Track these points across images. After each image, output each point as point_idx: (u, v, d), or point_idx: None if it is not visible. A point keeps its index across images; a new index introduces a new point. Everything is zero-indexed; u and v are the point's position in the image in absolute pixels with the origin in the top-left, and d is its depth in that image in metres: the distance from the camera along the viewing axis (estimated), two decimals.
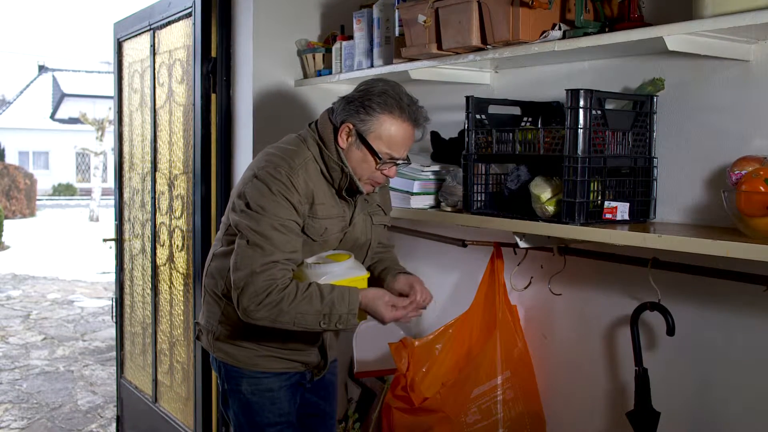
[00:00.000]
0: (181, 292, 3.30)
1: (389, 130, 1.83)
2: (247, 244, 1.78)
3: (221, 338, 2.01)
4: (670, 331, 1.76)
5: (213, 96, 2.98)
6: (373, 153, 1.84)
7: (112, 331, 5.42)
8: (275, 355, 1.99)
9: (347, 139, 1.86)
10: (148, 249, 3.58)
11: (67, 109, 27.33)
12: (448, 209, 2.20)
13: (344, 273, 1.87)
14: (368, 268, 2.00)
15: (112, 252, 4.11)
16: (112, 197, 4.12)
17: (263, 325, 1.79)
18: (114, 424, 4.13)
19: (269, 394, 2.01)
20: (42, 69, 29.34)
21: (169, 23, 3.27)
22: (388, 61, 2.41)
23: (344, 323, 1.78)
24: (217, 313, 2.01)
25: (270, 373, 2.01)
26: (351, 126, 1.84)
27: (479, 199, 2.05)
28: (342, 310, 1.77)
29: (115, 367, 4.15)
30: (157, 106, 3.43)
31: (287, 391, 2.04)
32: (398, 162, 1.89)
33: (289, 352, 2.01)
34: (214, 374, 3.09)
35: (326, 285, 1.79)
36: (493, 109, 2.05)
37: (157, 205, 3.48)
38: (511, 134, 1.91)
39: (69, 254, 12.03)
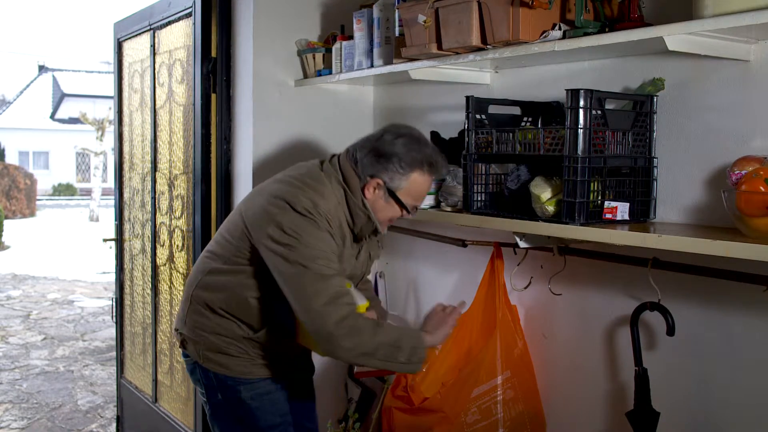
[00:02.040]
0: (181, 292, 3.30)
1: (417, 185, 1.91)
2: (310, 273, 1.76)
3: (213, 349, 1.99)
4: (670, 331, 1.76)
5: (213, 96, 2.98)
6: (402, 205, 1.92)
7: (112, 331, 5.41)
8: (266, 363, 2.02)
9: (374, 192, 1.91)
10: (148, 249, 3.58)
11: (67, 109, 27.33)
12: (448, 209, 2.20)
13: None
14: None
15: (112, 252, 4.11)
16: (112, 197, 4.12)
17: (345, 357, 1.80)
18: (114, 424, 4.13)
19: (268, 397, 2.01)
20: (42, 69, 29.33)
21: (169, 23, 3.27)
22: (388, 61, 2.41)
23: (416, 356, 1.83)
24: (208, 325, 1.99)
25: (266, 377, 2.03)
26: (381, 182, 1.89)
27: (479, 199, 2.05)
28: (410, 342, 1.83)
29: (115, 367, 4.15)
30: (157, 106, 3.43)
31: (283, 391, 2.06)
32: (418, 206, 1.98)
33: (278, 362, 2.04)
34: None
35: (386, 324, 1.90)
36: (493, 109, 2.05)
37: (157, 205, 3.48)
38: (511, 134, 1.91)
39: (69, 254, 12.03)
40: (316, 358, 2.23)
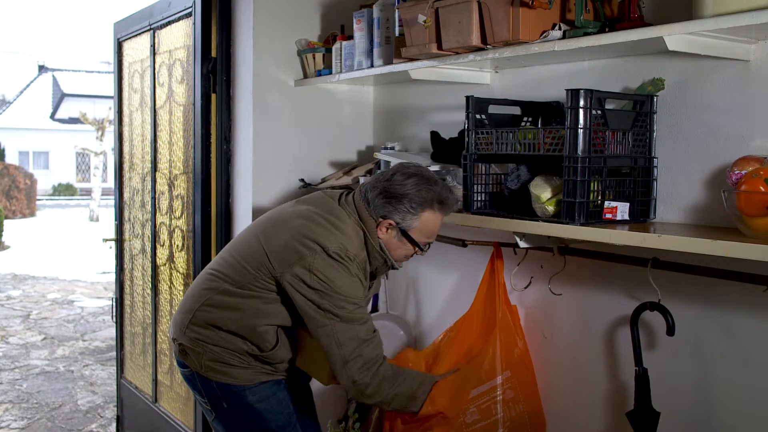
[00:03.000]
0: (181, 292, 3.30)
1: (429, 224, 1.93)
2: (340, 320, 1.83)
3: (216, 360, 1.98)
4: (670, 331, 1.76)
5: (213, 96, 2.98)
6: (415, 244, 1.94)
7: (112, 331, 5.41)
8: (270, 371, 2.03)
9: (387, 231, 1.94)
10: (148, 249, 3.58)
11: (67, 109, 27.33)
12: None
13: None
14: None
15: (112, 252, 4.11)
16: (112, 197, 4.12)
17: (363, 400, 1.90)
18: (114, 424, 4.13)
19: (275, 398, 2.02)
20: (42, 69, 29.33)
21: (169, 23, 3.27)
22: (388, 61, 2.41)
23: (414, 406, 1.96)
24: (212, 338, 1.98)
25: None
26: (393, 223, 1.92)
27: (479, 198, 2.05)
28: (425, 393, 1.96)
29: (115, 367, 4.15)
30: (157, 106, 3.43)
31: (286, 390, 2.07)
32: (430, 242, 2.00)
33: (283, 365, 2.05)
34: None
35: (410, 370, 2.01)
36: (493, 109, 2.05)
37: (157, 205, 3.48)
38: (511, 134, 1.91)
39: (69, 254, 12.03)
40: None
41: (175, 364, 3.38)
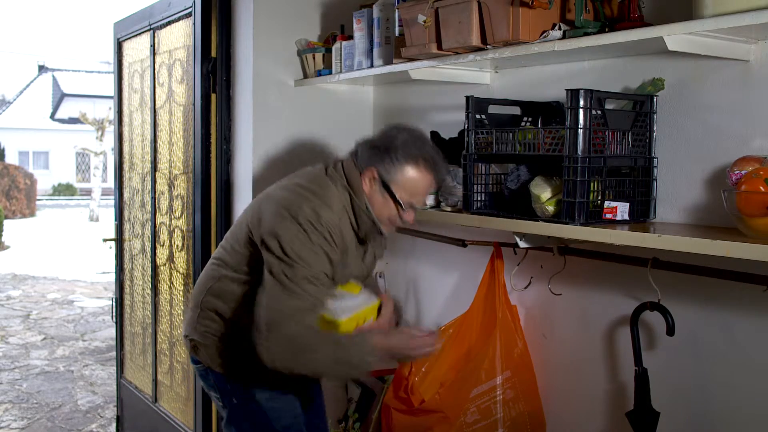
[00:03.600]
0: (181, 292, 3.30)
1: (412, 180, 1.88)
2: (279, 286, 1.77)
3: (226, 352, 1.98)
4: (670, 331, 1.76)
5: (213, 96, 2.98)
6: (395, 200, 1.89)
7: (112, 331, 5.41)
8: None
9: (371, 185, 1.90)
10: (148, 249, 3.58)
11: (67, 109, 27.32)
12: (448, 209, 2.20)
13: (362, 304, 1.95)
14: None
15: (112, 252, 4.11)
16: (112, 197, 4.12)
17: (278, 368, 1.78)
18: (114, 424, 4.13)
19: (283, 398, 2.01)
20: (42, 69, 29.33)
21: (169, 23, 3.27)
22: (388, 61, 2.41)
23: (358, 368, 1.83)
24: (220, 330, 1.98)
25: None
26: (375, 172, 1.88)
27: (479, 199, 2.05)
28: (356, 356, 1.80)
29: (115, 367, 4.15)
30: (157, 106, 3.43)
31: (294, 391, 2.04)
32: (416, 207, 1.94)
33: None
34: None
35: (344, 335, 1.85)
36: (493, 109, 2.05)
37: (157, 205, 3.48)
38: (511, 134, 1.91)
39: (69, 254, 12.03)
40: None
41: (174, 364, 3.39)
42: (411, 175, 1.87)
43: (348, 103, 2.95)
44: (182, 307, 3.30)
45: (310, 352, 1.77)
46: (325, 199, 1.87)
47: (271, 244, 1.80)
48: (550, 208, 1.81)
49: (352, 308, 1.91)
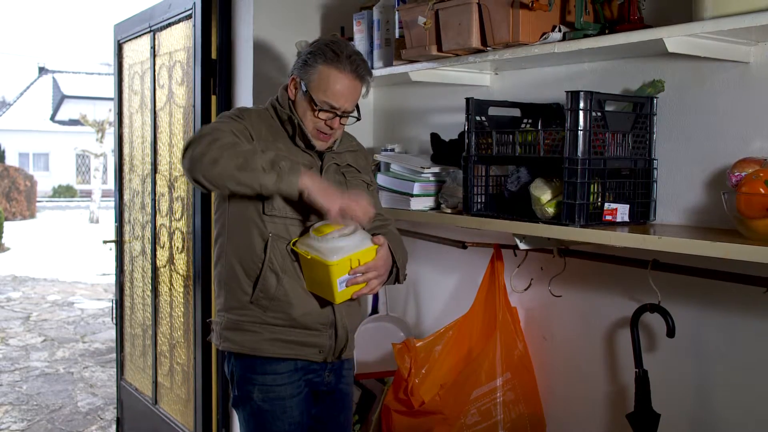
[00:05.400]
0: (181, 294, 3.30)
1: (327, 79, 1.88)
2: (204, 127, 1.87)
3: (227, 327, 1.96)
4: (670, 332, 1.76)
5: (213, 98, 2.98)
6: (311, 101, 1.89)
7: (112, 333, 5.42)
8: (280, 337, 1.91)
9: (295, 91, 1.94)
10: (148, 251, 3.58)
11: (67, 111, 27.33)
12: (449, 211, 2.21)
13: (357, 246, 1.82)
14: None
15: (112, 254, 4.11)
16: (112, 199, 4.12)
17: (194, 174, 1.76)
18: (114, 426, 4.12)
19: (280, 403, 1.94)
20: (42, 71, 29.35)
21: (169, 25, 3.27)
22: (388, 63, 2.41)
23: (286, 173, 1.72)
24: (221, 302, 1.98)
25: (279, 360, 1.93)
26: (297, 77, 1.92)
27: (479, 200, 2.05)
28: (285, 164, 1.75)
29: (115, 369, 4.15)
30: (157, 108, 3.43)
31: (299, 402, 1.97)
32: (340, 114, 1.90)
33: (298, 332, 1.92)
34: (214, 376, 3.10)
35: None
36: (493, 111, 2.05)
37: (157, 207, 3.48)
38: (511, 136, 1.91)
39: (69, 256, 12.03)
40: None
41: (175, 365, 3.39)
42: (326, 74, 1.87)
43: None
44: (182, 309, 3.30)
45: (217, 157, 1.73)
46: (243, 109, 1.98)
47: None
48: (550, 210, 1.81)
49: (345, 249, 1.79)
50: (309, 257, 1.81)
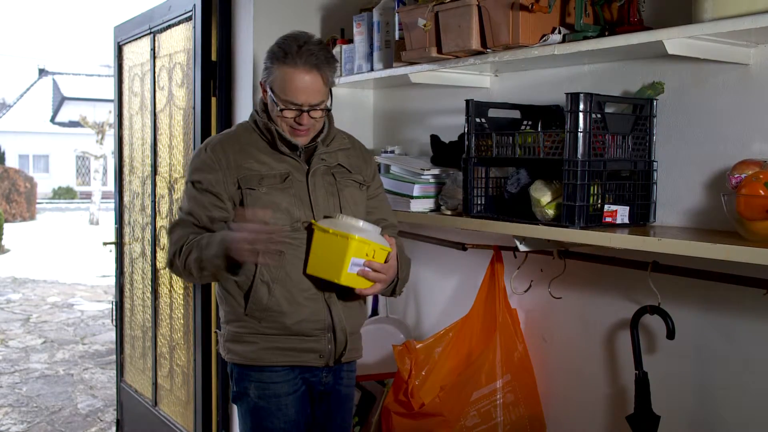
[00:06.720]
0: (181, 296, 3.30)
1: (283, 78, 1.89)
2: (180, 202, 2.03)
3: (229, 339, 1.99)
4: (670, 334, 1.76)
5: (213, 99, 2.98)
6: (273, 101, 1.92)
7: (112, 335, 5.41)
8: (279, 346, 1.93)
9: (265, 97, 1.97)
10: (149, 252, 3.58)
11: (67, 113, 27.33)
12: (448, 212, 2.20)
13: (375, 238, 1.84)
14: None
15: (112, 255, 4.11)
16: (112, 200, 4.12)
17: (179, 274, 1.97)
18: (114, 428, 4.12)
19: (275, 400, 1.96)
20: (42, 72, 29.37)
21: (169, 27, 3.27)
22: (388, 65, 2.41)
23: (211, 264, 1.85)
24: (222, 315, 2.01)
25: (278, 368, 1.94)
26: (263, 83, 1.96)
27: (479, 202, 2.05)
28: (209, 253, 1.85)
29: (115, 371, 4.15)
30: (157, 110, 3.43)
31: (295, 400, 1.98)
32: (306, 109, 1.90)
33: (295, 340, 1.93)
34: (214, 378, 3.10)
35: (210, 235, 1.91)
36: (493, 113, 2.06)
37: (157, 209, 3.48)
38: (511, 138, 1.91)
39: (69, 257, 12.03)
40: None
41: (174, 367, 3.39)
42: (280, 73, 1.88)
43: (348, 106, 2.95)
44: (182, 311, 3.30)
45: (182, 272, 1.95)
46: (212, 143, 2.00)
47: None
48: (550, 212, 1.81)
49: (366, 233, 1.82)
50: (330, 231, 1.81)
